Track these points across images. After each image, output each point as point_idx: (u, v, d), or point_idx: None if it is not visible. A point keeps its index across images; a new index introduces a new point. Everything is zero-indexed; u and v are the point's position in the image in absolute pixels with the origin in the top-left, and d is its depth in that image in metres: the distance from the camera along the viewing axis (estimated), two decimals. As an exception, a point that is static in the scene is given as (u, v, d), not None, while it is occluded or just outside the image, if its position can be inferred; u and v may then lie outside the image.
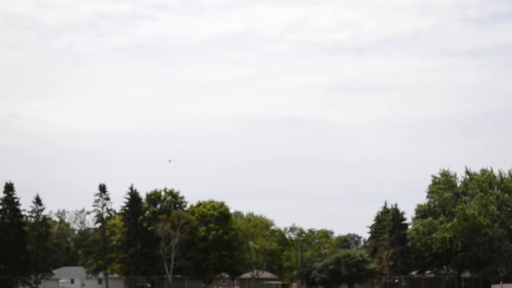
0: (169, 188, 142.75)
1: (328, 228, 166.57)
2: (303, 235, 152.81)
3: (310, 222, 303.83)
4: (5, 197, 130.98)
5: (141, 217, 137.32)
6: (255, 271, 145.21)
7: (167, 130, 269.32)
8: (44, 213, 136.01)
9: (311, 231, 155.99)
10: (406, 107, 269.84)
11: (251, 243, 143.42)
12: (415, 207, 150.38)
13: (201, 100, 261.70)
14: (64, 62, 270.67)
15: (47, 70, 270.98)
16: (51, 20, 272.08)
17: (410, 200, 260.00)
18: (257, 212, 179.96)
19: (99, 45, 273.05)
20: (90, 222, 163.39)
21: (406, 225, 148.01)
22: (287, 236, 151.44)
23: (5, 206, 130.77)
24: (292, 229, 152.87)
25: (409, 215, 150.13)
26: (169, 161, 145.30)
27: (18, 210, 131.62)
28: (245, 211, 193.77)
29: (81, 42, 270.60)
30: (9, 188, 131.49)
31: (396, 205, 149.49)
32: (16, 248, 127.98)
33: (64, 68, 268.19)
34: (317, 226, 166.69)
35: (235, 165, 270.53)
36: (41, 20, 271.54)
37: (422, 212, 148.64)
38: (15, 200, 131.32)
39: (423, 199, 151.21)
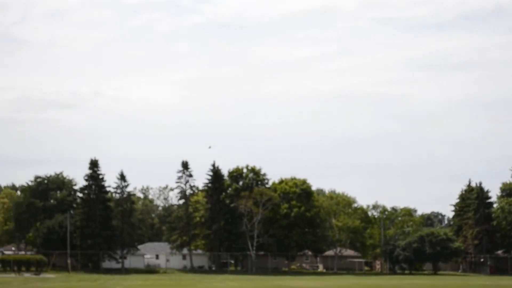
0: (251, 165, 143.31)
1: (411, 206, 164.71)
2: (386, 213, 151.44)
3: (393, 200, 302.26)
4: (90, 173, 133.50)
5: (223, 194, 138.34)
6: (338, 249, 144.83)
7: (247, 108, 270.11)
8: (129, 189, 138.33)
9: (394, 209, 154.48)
10: (491, 85, 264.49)
11: (333, 220, 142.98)
12: (500, 185, 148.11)
13: (280, 78, 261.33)
14: (144, 40, 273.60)
15: (128, 48, 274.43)
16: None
17: (495, 179, 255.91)
18: (339, 189, 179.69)
19: (177, 24, 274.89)
20: (174, 198, 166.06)
21: (491, 203, 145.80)
22: (369, 214, 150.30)
23: (91, 182, 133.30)
24: (375, 207, 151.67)
25: (494, 193, 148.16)
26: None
27: (103, 187, 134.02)
28: (327, 188, 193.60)
29: (160, 21, 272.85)
30: (94, 164, 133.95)
31: (480, 183, 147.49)
32: (102, 223, 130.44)
33: (145, 46, 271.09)
34: (400, 204, 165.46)
35: (316, 143, 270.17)
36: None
37: (507, 191, 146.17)
38: (100, 177, 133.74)
39: (508, 178, 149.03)
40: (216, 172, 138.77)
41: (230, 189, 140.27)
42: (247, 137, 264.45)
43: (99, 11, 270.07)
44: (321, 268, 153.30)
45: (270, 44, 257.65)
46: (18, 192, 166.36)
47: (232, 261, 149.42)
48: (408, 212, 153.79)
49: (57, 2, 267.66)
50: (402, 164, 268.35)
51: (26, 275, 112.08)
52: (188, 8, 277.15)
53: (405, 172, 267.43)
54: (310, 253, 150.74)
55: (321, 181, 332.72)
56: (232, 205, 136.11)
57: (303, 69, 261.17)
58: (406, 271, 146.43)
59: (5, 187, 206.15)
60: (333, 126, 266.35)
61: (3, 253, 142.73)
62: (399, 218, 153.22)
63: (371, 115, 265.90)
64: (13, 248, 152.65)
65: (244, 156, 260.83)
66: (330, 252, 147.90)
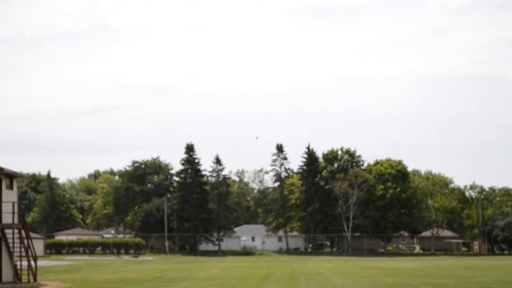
0: (345, 147, 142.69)
1: (510, 186, 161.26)
2: (484, 193, 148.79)
3: (490, 180, 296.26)
4: (186, 157, 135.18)
5: (318, 176, 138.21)
6: (435, 229, 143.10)
7: (341, 89, 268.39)
8: (224, 172, 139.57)
9: (492, 189, 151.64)
10: None
11: (430, 201, 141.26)
12: None
13: (373, 59, 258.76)
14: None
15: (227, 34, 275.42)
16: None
17: None
18: (435, 170, 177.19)
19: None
20: (269, 181, 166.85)
21: None
22: (467, 194, 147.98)
23: (187, 166, 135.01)
24: (472, 187, 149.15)
25: None
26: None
27: (199, 170, 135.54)
28: (422, 169, 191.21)
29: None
30: (190, 149, 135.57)
31: None
32: (198, 207, 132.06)
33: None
34: (498, 184, 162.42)
35: (411, 123, 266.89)
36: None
37: None
38: (196, 161, 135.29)
39: None
40: (310, 155, 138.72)
41: (325, 171, 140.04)
42: (342, 119, 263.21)
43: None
44: (417, 249, 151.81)
45: (364, 25, 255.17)
46: (117, 177, 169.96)
47: (328, 243, 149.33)
48: (507, 192, 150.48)
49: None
50: (499, 143, 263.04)
51: (125, 257, 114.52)
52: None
53: (502, 152, 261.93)
54: (406, 234, 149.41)
55: (417, 162, 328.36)
56: (327, 187, 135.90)
57: (397, 49, 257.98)
58: (505, 252, 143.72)
59: (103, 172, 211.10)
60: (429, 106, 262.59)
61: (103, 237, 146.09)
62: (498, 198, 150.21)
63: (467, 95, 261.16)
64: (112, 232, 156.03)
65: (338, 138, 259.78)
66: (427, 233, 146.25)
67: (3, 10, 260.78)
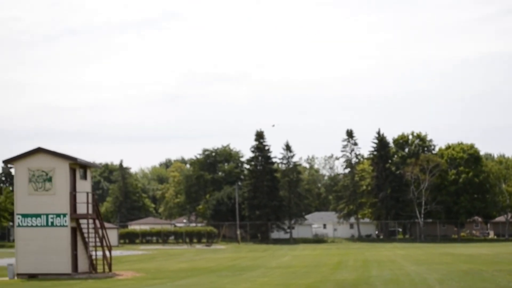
0: (416, 131, 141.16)
1: None
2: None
3: None
4: (256, 144, 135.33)
5: (389, 161, 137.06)
6: (509, 215, 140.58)
7: (411, 73, 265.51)
8: (294, 159, 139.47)
9: None
10: None
11: (503, 185, 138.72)
12: None
13: (444, 41, 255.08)
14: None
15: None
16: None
17: None
18: (508, 154, 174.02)
19: None
20: (339, 167, 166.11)
21: None
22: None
23: (257, 153, 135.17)
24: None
25: None
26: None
27: (270, 158, 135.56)
28: (495, 153, 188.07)
29: None
30: (260, 136, 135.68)
31: None
32: (269, 194, 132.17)
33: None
34: None
35: (482, 106, 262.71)
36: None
37: None
38: (266, 148, 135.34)
39: None
40: (381, 140, 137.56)
41: (396, 156, 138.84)
42: (412, 103, 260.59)
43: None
44: (492, 234, 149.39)
45: (435, 7, 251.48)
46: (188, 166, 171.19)
47: (400, 229, 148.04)
48: None
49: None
50: None
51: (198, 246, 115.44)
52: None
53: None
54: (480, 219, 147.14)
55: (489, 146, 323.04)
56: (398, 172, 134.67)
57: (468, 32, 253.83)
58: None
59: (175, 161, 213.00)
60: (500, 88, 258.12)
61: (175, 226, 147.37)
62: None
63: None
64: (184, 221, 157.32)
65: (409, 122, 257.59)
66: (501, 218, 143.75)
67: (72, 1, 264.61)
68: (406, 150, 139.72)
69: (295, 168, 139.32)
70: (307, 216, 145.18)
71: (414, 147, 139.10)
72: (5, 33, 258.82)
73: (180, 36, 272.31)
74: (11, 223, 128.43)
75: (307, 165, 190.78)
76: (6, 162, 48.90)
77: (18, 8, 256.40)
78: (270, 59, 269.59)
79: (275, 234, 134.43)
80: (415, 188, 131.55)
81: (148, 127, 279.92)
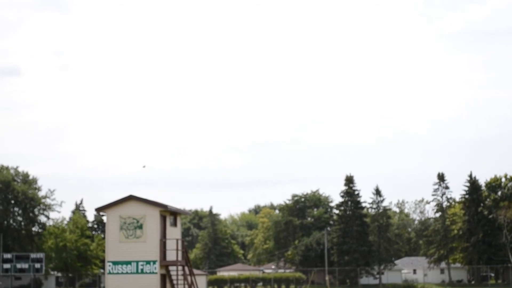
0: (509, 174, 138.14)
1: None
2: None
3: None
4: (346, 189, 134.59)
5: (481, 205, 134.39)
6: None
7: (503, 114, 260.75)
8: (384, 204, 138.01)
9: None
10: None
11: None
12: None
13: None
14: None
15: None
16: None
17: None
18: None
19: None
20: (430, 211, 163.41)
21: None
22: None
23: (347, 198, 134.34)
24: None
25: None
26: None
27: (359, 202, 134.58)
28: None
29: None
30: (349, 181, 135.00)
31: None
32: (358, 239, 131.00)
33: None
34: None
35: None
36: None
37: None
38: (356, 192, 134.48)
39: None
40: (473, 183, 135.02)
41: (488, 199, 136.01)
42: (505, 145, 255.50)
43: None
44: None
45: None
46: (277, 211, 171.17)
47: (492, 274, 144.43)
48: None
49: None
50: None
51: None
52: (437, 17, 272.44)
53: None
54: None
55: None
56: (490, 216, 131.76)
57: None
58: None
59: (264, 207, 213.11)
60: None
61: (263, 272, 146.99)
62: None
63: None
64: (273, 267, 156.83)
65: (502, 165, 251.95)
66: None
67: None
68: (499, 193, 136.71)
69: (385, 213, 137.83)
70: (396, 261, 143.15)
71: (507, 190, 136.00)
72: (99, 81, 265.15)
73: (263, 83, 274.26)
74: (102, 270, 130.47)
75: (397, 210, 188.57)
76: (98, 210, 49.87)
77: (113, 58, 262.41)
78: (357, 102, 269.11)
79: (364, 280, 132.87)
80: (508, 232, 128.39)
81: (238, 173, 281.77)
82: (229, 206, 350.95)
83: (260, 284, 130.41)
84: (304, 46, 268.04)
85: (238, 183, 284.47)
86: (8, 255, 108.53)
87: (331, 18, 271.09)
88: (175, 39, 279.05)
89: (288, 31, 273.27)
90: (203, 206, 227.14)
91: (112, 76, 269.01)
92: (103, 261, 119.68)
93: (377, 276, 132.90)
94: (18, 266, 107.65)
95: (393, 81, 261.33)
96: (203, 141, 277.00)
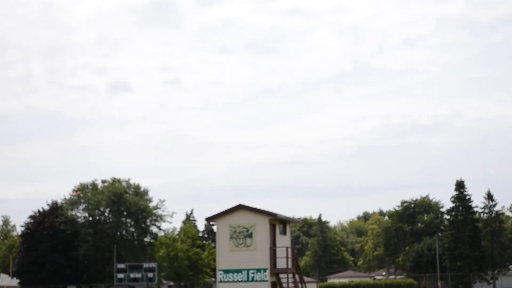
0: None
1: None
2: None
3: None
4: (457, 194, 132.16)
5: None
6: None
7: None
8: (497, 208, 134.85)
9: None
10: None
11: None
12: None
13: None
14: (501, 58, 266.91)
15: (484, 67, 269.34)
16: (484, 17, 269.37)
17: None
18: None
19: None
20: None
21: None
22: None
23: (458, 203, 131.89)
24: None
25: None
26: None
27: (471, 207, 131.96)
28: None
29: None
30: (460, 185, 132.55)
31: None
32: (470, 245, 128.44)
33: (503, 64, 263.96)
34: None
35: None
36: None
37: None
38: (467, 197, 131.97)
39: None
40: None
41: None
42: None
43: (454, 33, 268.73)
44: None
45: None
46: (386, 218, 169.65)
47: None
48: None
49: (412, 30, 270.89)
50: None
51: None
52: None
53: None
54: None
55: None
56: None
57: None
58: None
59: (373, 213, 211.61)
60: None
61: (374, 278, 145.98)
62: None
63: None
64: (383, 273, 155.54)
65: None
66: None
67: (269, 63, 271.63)
68: None
69: (498, 217, 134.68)
70: (511, 267, 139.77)
71: None
72: (207, 95, 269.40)
73: (375, 89, 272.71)
74: (213, 279, 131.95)
75: (510, 214, 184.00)
76: (208, 219, 50.52)
77: (217, 72, 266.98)
78: (467, 105, 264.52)
79: (477, 285, 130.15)
80: None
81: (346, 181, 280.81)
82: (338, 214, 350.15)
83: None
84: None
85: (346, 190, 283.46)
86: (121, 265, 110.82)
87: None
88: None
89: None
90: (312, 214, 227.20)
91: (210, 88, 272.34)
92: (214, 269, 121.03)
93: (491, 281, 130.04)
94: (132, 275, 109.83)
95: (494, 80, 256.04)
96: (310, 150, 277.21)
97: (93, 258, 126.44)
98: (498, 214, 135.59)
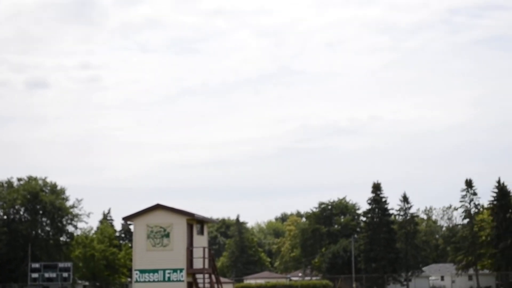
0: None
1: None
2: None
3: None
4: (373, 196, 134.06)
5: (510, 210, 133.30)
6: None
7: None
8: (412, 211, 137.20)
9: None
10: None
11: None
12: None
13: None
14: (418, 61, 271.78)
15: (403, 71, 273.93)
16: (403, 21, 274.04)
17: None
18: None
19: (453, 42, 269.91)
20: (458, 218, 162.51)
21: None
22: None
23: (374, 205, 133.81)
24: None
25: None
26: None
27: (386, 209, 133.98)
28: None
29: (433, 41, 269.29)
30: (377, 188, 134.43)
31: None
32: (385, 246, 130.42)
33: (419, 68, 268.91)
34: None
35: None
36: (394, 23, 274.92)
37: None
38: (383, 200, 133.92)
39: None
40: (501, 189, 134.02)
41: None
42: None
43: (375, 37, 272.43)
44: None
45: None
46: (303, 219, 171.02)
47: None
48: None
49: (333, 34, 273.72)
50: None
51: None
52: (463, 25, 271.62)
53: None
54: None
55: None
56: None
57: None
58: None
59: (291, 214, 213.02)
60: None
61: (290, 279, 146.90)
62: None
63: None
64: (300, 274, 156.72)
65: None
66: None
67: (190, 63, 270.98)
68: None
69: (412, 220, 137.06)
70: (424, 268, 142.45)
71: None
72: (128, 94, 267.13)
73: (295, 90, 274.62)
74: (129, 279, 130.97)
75: (425, 216, 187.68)
76: (125, 219, 50.17)
77: (139, 71, 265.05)
78: (384, 109, 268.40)
79: (391, 287, 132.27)
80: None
81: (264, 182, 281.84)
82: (256, 215, 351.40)
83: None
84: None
85: (264, 192, 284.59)
86: (36, 265, 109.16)
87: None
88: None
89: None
90: (230, 214, 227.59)
91: (131, 87, 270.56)
92: (130, 269, 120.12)
93: (405, 283, 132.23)
94: (46, 275, 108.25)
95: (426, 81, 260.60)
96: (229, 151, 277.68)
97: (7, 257, 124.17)
98: (413, 216, 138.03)
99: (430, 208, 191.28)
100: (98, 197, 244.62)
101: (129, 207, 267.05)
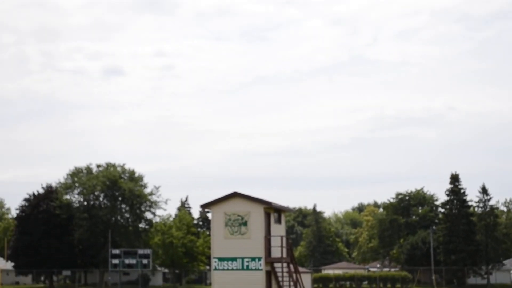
0: None
1: None
2: None
3: None
4: (451, 188, 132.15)
5: None
6: None
7: None
8: (491, 202, 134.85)
9: None
10: None
11: None
12: None
13: None
14: (492, 53, 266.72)
15: (477, 61, 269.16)
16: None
17: None
18: None
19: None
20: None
21: None
22: None
23: (452, 197, 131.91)
24: None
25: None
26: None
27: (465, 201, 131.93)
28: None
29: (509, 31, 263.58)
30: (455, 179, 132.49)
31: None
32: (465, 238, 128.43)
33: (494, 58, 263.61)
34: None
35: None
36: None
37: None
38: (462, 191, 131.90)
39: None
40: None
41: None
42: None
43: (448, 26, 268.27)
44: None
45: None
46: (381, 210, 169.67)
47: None
48: None
49: (406, 22, 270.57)
50: None
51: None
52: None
53: None
54: None
55: None
56: None
57: None
58: None
59: (368, 205, 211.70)
60: None
61: (369, 270, 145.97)
62: None
63: None
64: (378, 265, 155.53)
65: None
66: None
67: (262, 51, 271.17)
68: None
69: (492, 212, 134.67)
70: (505, 261, 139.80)
71: None
72: (201, 82, 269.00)
73: (370, 80, 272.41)
74: (208, 267, 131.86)
75: (505, 209, 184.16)
76: (203, 206, 50.33)
77: (212, 60, 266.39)
78: (460, 98, 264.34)
79: (472, 280, 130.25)
80: None
81: (340, 171, 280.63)
82: (333, 204, 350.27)
83: (366, 282, 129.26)
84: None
85: (341, 181, 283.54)
86: (116, 251, 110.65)
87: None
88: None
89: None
90: (306, 204, 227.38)
91: (205, 75, 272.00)
92: (209, 257, 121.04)
93: (485, 276, 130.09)
94: (126, 261, 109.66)
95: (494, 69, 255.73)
96: (303, 138, 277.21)
97: (88, 243, 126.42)
98: (493, 208, 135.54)
99: (510, 201, 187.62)
100: (174, 185, 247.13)
101: (206, 195, 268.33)
